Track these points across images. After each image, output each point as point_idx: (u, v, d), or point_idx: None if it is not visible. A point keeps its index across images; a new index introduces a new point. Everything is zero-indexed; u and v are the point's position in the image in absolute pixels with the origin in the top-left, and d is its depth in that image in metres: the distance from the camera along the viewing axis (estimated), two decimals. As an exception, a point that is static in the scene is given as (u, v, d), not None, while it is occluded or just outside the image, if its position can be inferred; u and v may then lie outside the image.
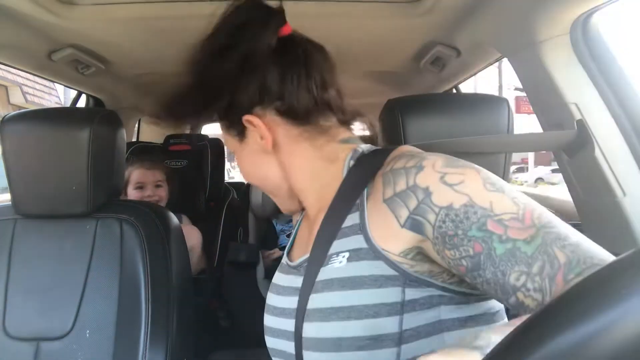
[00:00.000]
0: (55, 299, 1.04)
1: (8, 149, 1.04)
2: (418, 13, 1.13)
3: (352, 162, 0.62)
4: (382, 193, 0.54)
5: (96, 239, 1.07)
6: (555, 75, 0.95)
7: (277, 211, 1.99)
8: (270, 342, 0.67)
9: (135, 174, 1.70)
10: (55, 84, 6.39)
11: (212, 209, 2.13)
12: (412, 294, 0.52)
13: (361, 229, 0.55)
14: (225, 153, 2.37)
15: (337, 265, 0.55)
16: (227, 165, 4.65)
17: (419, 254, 0.52)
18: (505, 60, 1.24)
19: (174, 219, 1.14)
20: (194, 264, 1.73)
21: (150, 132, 2.65)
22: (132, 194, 1.69)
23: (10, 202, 1.07)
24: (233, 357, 1.92)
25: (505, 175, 0.90)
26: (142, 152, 2.10)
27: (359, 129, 0.71)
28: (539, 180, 16.52)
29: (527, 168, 17.05)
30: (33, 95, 8.56)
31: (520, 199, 0.48)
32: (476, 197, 0.47)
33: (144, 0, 1.12)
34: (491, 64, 1.49)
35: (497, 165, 0.99)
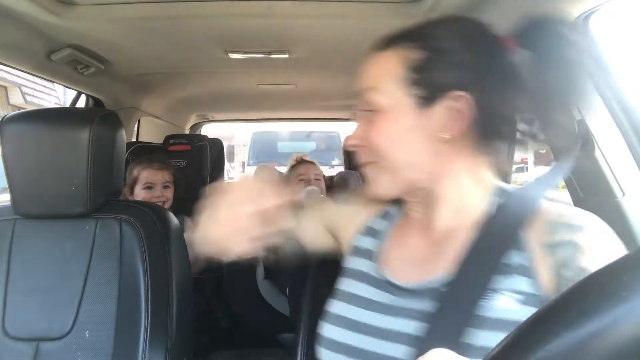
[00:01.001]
0: (54, 299, 1.03)
1: (8, 149, 1.04)
2: (418, 13, 1.13)
3: (497, 198, 0.61)
4: (543, 238, 0.55)
5: (96, 239, 1.06)
6: (555, 75, 0.95)
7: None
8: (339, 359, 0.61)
9: (144, 174, 1.71)
10: (54, 84, 6.38)
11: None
12: None
13: (529, 273, 0.53)
14: (225, 153, 2.37)
15: (509, 306, 0.52)
16: (226, 165, 4.65)
17: None
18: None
19: (173, 219, 1.14)
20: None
21: (150, 132, 2.65)
22: (140, 193, 1.69)
23: (9, 203, 1.07)
24: (233, 357, 1.92)
25: (506, 177, 0.89)
26: (141, 153, 2.10)
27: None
28: (538, 180, 16.46)
29: (527, 168, 17.05)
30: (32, 95, 8.55)
31: None
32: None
33: (144, 0, 1.12)
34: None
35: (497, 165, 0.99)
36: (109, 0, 1.12)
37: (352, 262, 0.69)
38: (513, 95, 0.57)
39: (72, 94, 1.88)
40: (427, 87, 0.58)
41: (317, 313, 0.84)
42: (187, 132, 3.15)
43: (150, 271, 1.03)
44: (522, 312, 0.52)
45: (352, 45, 1.44)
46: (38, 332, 1.02)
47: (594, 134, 0.93)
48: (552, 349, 0.23)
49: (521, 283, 0.53)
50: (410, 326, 0.56)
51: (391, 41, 0.62)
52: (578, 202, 1.05)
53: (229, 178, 5.87)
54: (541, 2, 0.89)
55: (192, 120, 3.18)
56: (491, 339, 0.51)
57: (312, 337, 0.83)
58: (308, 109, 3.07)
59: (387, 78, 0.59)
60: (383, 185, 0.62)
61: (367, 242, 0.70)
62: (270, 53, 1.52)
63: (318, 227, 0.79)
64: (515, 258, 0.54)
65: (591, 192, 0.99)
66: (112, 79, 1.78)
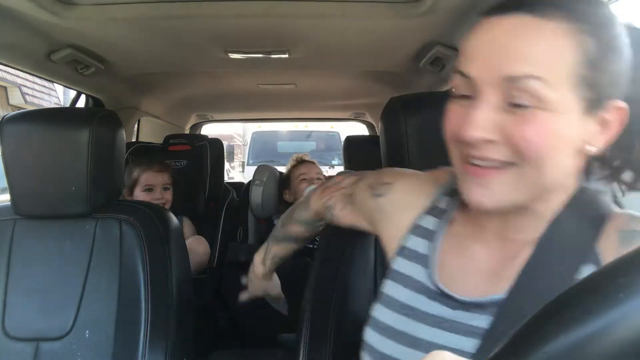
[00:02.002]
0: (54, 299, 1.03)
1: (7, 149, 1.04)
2: (418, 13, 1.13)
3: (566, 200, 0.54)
4: (618, 250, 0.48)
5: (96, 239, 1.06)
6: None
7: (276, 211, 1.99)
8: None
9: (144, 176, 1.71)
10: (54, 84, 6.38)
11: (211, 209, 2.13)
12: None
13: None
14: (225, 153, 2.37)
15: None
16: (226, 165, 4.64)
17: None
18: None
19: (173, 219, 1.14)
20: (199, 264, 1.73)
21: (150, 132, 2.65)
22: (140, 195, 1.70)
23: (9, 203, 1.07)
24: (233, 357, 1.92)
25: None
26: (141, 153, 2.10)
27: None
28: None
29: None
30: (32, 95, 8.55)
31: None
32: None
33: (144, 0, 1.12)
34: (491, 64, 1.49)
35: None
36: (109, 0, 1.12)
37: (401, 265, 0.62)
38: None
39: (72, 93, 1.88)
40: (597, 90, 0.47)
41: (318, 312, 0.84)
42: (187, 132, 3.15)
43: (150, 271, 1.03)
44: None
45: (352, 45, 1.44)
46: (38, 332, 1.02)
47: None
48: (548, 352, 0.23)
49: None
50: (467, 343, 0.51)
51: (559, 10, 0.47)
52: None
53: (229, 178, 5.86)
54: (541, 2, 0.89)
55: (192, 120, 3.18)
56: None
57: (314, 337, 0.83)
58: (308, 109, 3.07)
59: (561, 68, 0.46)
60: (512, 196, 0.50)
61: (418, 244, 0.62)
62: (270, 53, 1.52)
63: (356, 221, 0.75)
64: (589, 271, 0.47)
65: (591, 192, 0.99)
66: (112, 79, 1.78)
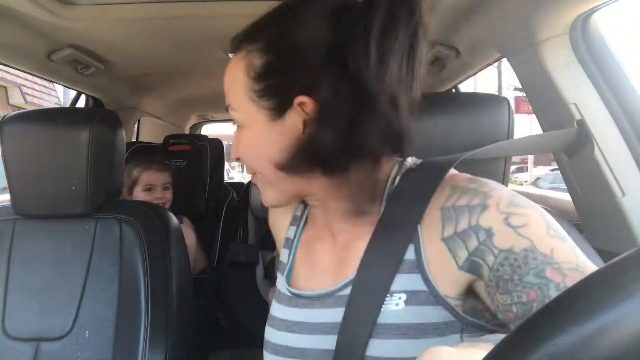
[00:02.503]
0: (54, 299, 1.03)
1: (7, 149, 1.04)
2: (418, 13, 1.13)
3: (397, 178, 0.56)
4: (442, 230, 0.50)
5: (96, 239, 1.06)
6: (555, 75, 0.95)
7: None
8: None
9: (145, 176, 1.71)
10: (54, 84, 6.39)
11: (211, 209, 2.13)
12: (468, 340, 0.48)
13: (418, 267, 0.50)
14: (225, 153, 2.36)
15: (393, 308, 0.49)
16: (226, 165, 4.64)
17: (467, 291, 0.49)
18: (505, 60, 1.24)
19: (173, 219, 1.14)
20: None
21: (150, 132, 2.65)
22: (140, 195, 1.69)
23: (9, 203, 1.07)
24: (233, 357, 1.92)
25: (505, 177, 0.90)
26: (141, 153, 2.10)
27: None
28: (538, 180, 16.52)
29: (527, 168, 17.05)
30: (32, 95, 8.56)
31: (578, 250, 0.45)
32: (538, 243, 0.45)
33: (144, 0, 1.12)
34: (490, 64, 1.49)
35: (497, 167, 0.99)
36: (109, 0, 1.12)
37: (277, 280, 0.66)
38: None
39: (72, 93, 1.88)
40: (277, 95, 0.51)
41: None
42: (187, 132, 3.15)
43: (150, 271, 1.03)
44: (407, 314, 0.49)
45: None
46: (38, 332, 1.02)
47: (594, 134, 0.93)
48: (558, 344, 0.23)
49: (412, 281, 0.50)
50: (322, 341, 0.54)
51: (240, 41, 0.55)
52: (578, 202, 1.05)
53: (229, 178, 5.84)
54: (541, 3, 0.89)
55: (192, 120, 3.18)
56: (395, 349, 0.48)
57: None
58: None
59: (237, 92, 0.54)
60: (269, 195, 0.58)
61: (283, 255, 0.67)
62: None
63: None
64: (410, 253, 0.50)
65: (591, 192, 0.99)
66: (112, 79, 1.78)
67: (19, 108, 7.71)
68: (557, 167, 1.12)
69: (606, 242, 0.96)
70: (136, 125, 2.55)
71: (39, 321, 1.02)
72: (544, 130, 1.08)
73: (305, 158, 0.51)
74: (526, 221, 0.46)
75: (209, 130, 3.69)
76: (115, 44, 1.41)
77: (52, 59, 1.38)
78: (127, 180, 1.68)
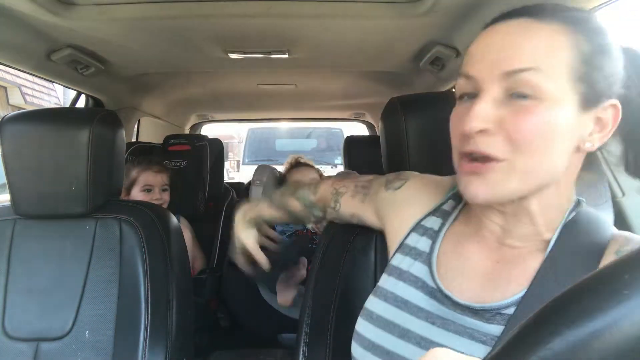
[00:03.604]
0: (54, 299, 1.03)
1: (7, 149, 1.04)
2: (418, 13, 1.13)
3: (572, 214, 0.55)
4: None
5: (96, 239, 1.06)
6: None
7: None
8: None
9: (143, 177, 1.71)
10: (54, 84, 6.38)
11: (211, 209, 2.13)
12: None
13: None
14: (225, 153, 2.36)
15: None
16: (226, 165, 4.63)
17: None
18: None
19: (173, 219, 1.14)
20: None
21: (150, 132, 2.65)
22: (138, 195, 1.69)
23: (9, 203, 1.07)
24: (233, 357, 1.92)
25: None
26: (141, 153, 2.10)
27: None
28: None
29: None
30: (32, 95, 8.55)
31: None
32: None
33: (144, 0, 1.12)
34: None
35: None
36: (109, 0, 1.12)
37: (401, 261, 0.64)
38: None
39: (72, 93, 1.88)
40: (592, 87, 0.49)
41: (318, 312, 0.84)
42: (187, 132, 3.15)
43: (150, 271, 1.03)
44: None
45: (352, 45, 1.44)
46: (38, 332, 1.02)
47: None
48: (554, 348, 0.23)
49: None
50: (465, 345, 0.53)
51: (555, 14, 0.50)
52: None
53: (229, 178, 5.83)
54: (541, 3, 0.89)
55: (192, 120, 3.18)
56: None
57: (313, 337, 0.83)
58: (308, 109, 3.07)
59: (558, 62, 0.48)
60: (507, 187, 0.51)
61: (418, 242, 0.64)
62: (270, 53, 1.52)
63: (362, 212, 0.77)
64: None
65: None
66: (112, 79, 1.78)
67: (19, 108, 7.70)
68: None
69: (606, 242, 0.96)
70: (136, 125, 2.55)
71: (39, 321, 1.02)
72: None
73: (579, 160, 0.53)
74: None
75: (209, 130, 3.69)
76: (115, 44, 1.41)
77: (52, 59, 1.38)
78: (125, 180, 1.68)
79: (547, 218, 0.55)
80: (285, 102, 2.71)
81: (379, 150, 1.01)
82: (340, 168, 4.39)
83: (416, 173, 0.76)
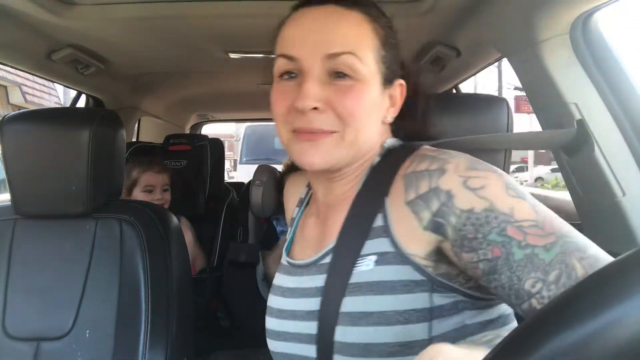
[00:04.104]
0: (55, 299, 1.03)
1: (8, 149, 1.04)
2: (418, 13, 1.13)
3: (377, 159, 0.62)
4: (404, 195, 0.55)
5: (96, 239, 1.06)
6: (555, 75, 0.95)
7: (276, 211, 1.99)
8: (280, 346, 0.64)
9: (144, 177, 1.71)
10: (55, 84, 6.39)
11: (211, 209, 2.13)
12: (439, 299, 0.52)
13: (386, 231, 0.55)
14: (225, 153, 2.36)
15: (365, 269, 0.54)
16: (226, 165, 4.62)
17: (438, 254, 0.53)
18: (505, 60, 1.24)
19: (173, 219, 1.14)
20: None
21: (150, 132, 2.65)
22: (139, 196, 1.70)
23: (9, 203, 1.07)
24: (233, 357, 1.92)
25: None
26: (141, 153, 2.10)
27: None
28: (539, 179, 16.54)
29: (527, 167, 17.06)
30: (33, 95, 8.56)
31: (540, 207, 0.48)
32: (497, 202, 0.48)
33: (144, 0, 1.12)
34: (491, 64, 1.49)
35: (497, 164, 0.99)
36: (109, 0, 1.12)
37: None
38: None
39: (72, 93, 1.88)
40: (389, 68, 0.59)
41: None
42: (187, 132, 3.15)
43: (150, 271, 1.03)
44: (377, 273, 0.53)
45: (352, 45, 1.44)
46: (38, 331, 1.02)
47: (594, 134, 0.93)
48: (552, 347, 0.23)
49: (381, 244, 0.54)
50: (312, 303, 0.59)
51: (357, 3, 0.59)
52: (578, 202, 1.05)
53: (229, 178, 5.81)
54: (541, 3, 0.89)
55: (193, 120, 3.18)
56: (351, 304, 0.54)
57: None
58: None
59: (366, 47, 0.57)
60: (335, 155, 0.58)
61: (289, 232, 0.74)
62: (270, 53, 1.51)
63: None
64: (376, 221, 0.56)
65: (591, 192, 0.99)
66: (112, 79, 1.78)
67: (19, 107, 7.71)
68: (557, 166, 1.12)
69: (606, 242, 0.96)
70: (136, 125, 2.55)
71: (40, 321, 1.02)
72: (543, 130, 1.08)
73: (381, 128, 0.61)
74: (484, 183, 0.50)
75: (209, 130, 3.69)
76: (116, 44, 1.41)
77: (52, 59, 1.38)
78: (126, 181, 1.68)
79: (358, 175, 0.62)
80: (286, 102, 2.70)
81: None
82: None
83: (291, 175, 0.85)
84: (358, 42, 0.57)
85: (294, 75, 0.58)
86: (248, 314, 1.83)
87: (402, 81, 0.62)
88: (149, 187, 1.71)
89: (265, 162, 3.93)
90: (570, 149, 0.97)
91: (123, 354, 0.99)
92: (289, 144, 0.60)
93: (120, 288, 1.03)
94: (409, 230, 0.53)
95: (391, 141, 0.64)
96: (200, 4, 1.14)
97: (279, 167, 2.14)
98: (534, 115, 1.10)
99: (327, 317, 0.56)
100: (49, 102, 9.09)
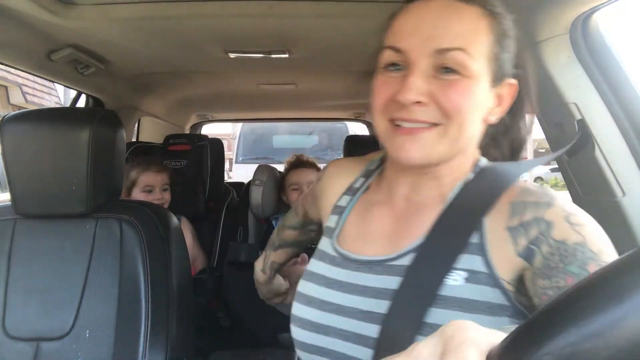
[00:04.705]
0: (55, 299, 1.04)
1: (8, 149, 1.04)
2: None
3: (471, 175, 0.61)
4: (508, 221, 0.54)
5: (96, 239, 1.06)
6: (555, 75, 0.95)
7: (276, 211, 1.99)
8: (316, 339, 0.61)
9: (143, 177, 1.71)
10: (55, 84, 6.39)
11: (211, 209, 2.13)
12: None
13: (481, 250, 0.54)
14: (225, 153, 2.36)
15: (453, 283, 0.53)
16: (226, 164, 4.60)
17: (519, 282, 0.53)
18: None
19: (173, 219, 1.14)
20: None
21: (150, 132, 2.65)
22: (139, 196, 1.69)
23: (9, 202, 1.07)
24: (233, 357, 1.92)
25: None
26: (141, 153, 2.10)
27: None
28: (538, 179, 16.52)
29: (527, 168, 16.99)
30: (33, 95, 8.56)
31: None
32: (590, 241, 0.49)
33: (144, 0, 1.12)
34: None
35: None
36: (109, 0, 1.12)
37: (320, 242, 0.70)
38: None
39: (72, 93, 1.88)
40: (500, 67, 0.57)
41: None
42: (187, 132, 3.15)
43: (150, 271, 1.03)
44: (466, 290, 0.53)
45: (352, 45, 1.44)
46: (38, 331, 1.02)
47: (594, 134, 0.93)
48: (551, 347, 0.23)
49: (473, 262, 0.54)
50: (367, 303, 0.57)
51: None
52: (578, 202, 1.05)
53: (228, 178, 5.78)
54: (541, 3, 0.89)
55: (192, 120, 3.18)
56: (438, 316, 0.52)
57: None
58: (308, 109, 3.07)
59: (479, 43, 0.55)
60: (438, 150, 0.56)
61: (332, 221, 0.69)
62: (270, 53, 1.52)
63: (314, 220, 0.84)
64: (474, 238, 0.55)
65: (591, 191, 0.99)
66: (112, 79, 1.78)
67: (20, 107, 7.71)
68: (556, 166, 1.12)
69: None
70: (136, 125, 2.55)
71: (40, 321, 1.02)
72: (544, 130, 1.08)
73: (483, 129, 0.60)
74: (584, 222, 0.52)
75: (209, 130, 3.69)
76: (116, 44, 1.41)
77: (52, 59, 1.38)
78: (125, 181, 1.68)
79: (452, 177, 0.61)
80: (286, 101, 2.71)
81: (380, 149, 1.01)
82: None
83: (337, 160, 0.81)
84: (471, 38, 0.55)
85: (400, 67, 0.57)
86: (248, 314, 1.83)
87: (512, 80, 0.59)
88: (148, 187, 1.71)
89: (263, 162, 3.91)
90: (570, 149, 0.97)
91: (123, 354, 0.99)
92: (386, 137, 0.58)
93: (120, 288, 1.03)
94: (503, 254, 0.53)
95: (484, 161, 0.63)
96: (200, 4, 1.14)
97: (279, 167, 2.14)
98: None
99: (399, 324, 0.53)
100: (50, 102, 9.08)
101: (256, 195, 1.93)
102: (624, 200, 0.91)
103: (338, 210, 0.69)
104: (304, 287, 0.65)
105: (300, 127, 5.47)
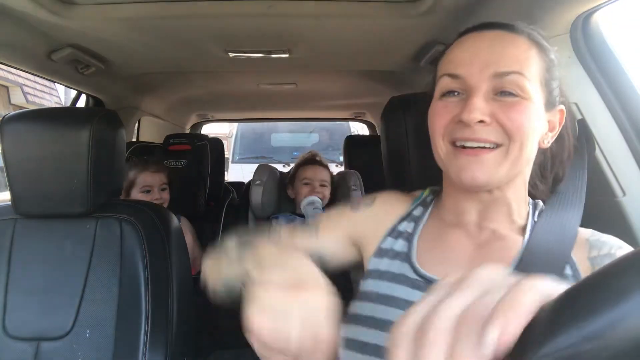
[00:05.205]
0: (55, 299, 1.04)
1: (8, 148, 1.04)
2: (418, 13, 1.13)
3: (537, 207, 0.65)
4: (588, 252, 0.59)
5: (96, 239, 1.07)
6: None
7: (276, 211, 2.00)
8: None
9: (141, 178, 1.71)
10: (55, 84, 6.39)
11: (212, 208, 2.13)
12: None
13: (576, 280, 0.57)
14: (225, 153, 2.36)
15: None
16: (226, 165, 4.59)
17: None
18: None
19: (174, 219, 1.14)
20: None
21: (150, 132, 2.66)
22: (137, 197, 1.69)
23: (10, 202, 1.07)
24: (233, 357, 1.92)
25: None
26: (142, 152, 2.10)
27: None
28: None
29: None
30: (34, 95, 8.56)
31: None
32: None
33: (144, 0, 1.12)
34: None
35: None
36: (110, 0, 1.12)
37: (378, 263, 0.67)
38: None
39: (73, 93, 1.88)
40: (551, 93, 0.61)
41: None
42: (187, 131, 3.15)
43: (150, 271, 1.03)
44: None
45: (352, 45, 1.44)
46: (39, 331, 1.02)
47: (594, 134, 0.92)
48: (583, 331, 0.23)
49: None
50: None
51: (524, 31, 0.61)
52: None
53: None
54: (541, 3, 0.89)
55: (193, 120, 3.18)
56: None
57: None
58: (308, 109, 3.07)
59: (533, 69, 0.58)
60: (500, 171, 0.58)
61: (394, 244, 0.67)
62: (270, 53, 1.52)
63: (340, 238, 0.75)
64: (568, 270, 0.59)
65: (591, 191, 0.99)
66: (112, 79, 1.78)
67: (21, 107, 7.71)
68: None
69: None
70: (136, 125, 2.55)
71: (40, 321, 1.02)
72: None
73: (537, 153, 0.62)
74: None
75: (209, 130, 3.69)
76: (116, 44, 1.41)
77: (52, 59, 1.38)
78: (123, 182, 1.68)
79: (517, 204, 0.63)
80: (286, 101, 2.71)
81: (380, 149, 1.01)
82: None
83: (386, 191, 0.80)
84: (526, 62, 0.58)
85: (457, 93, 0.60)
86: (248, 313, 1.82)
87: (562, 107, 0.63)
88: (146, 187, 1.71)
89: (261, 161, 3.90)
90: (571, 149, 0.97)
91: (123, 354, 0.99)
92: (448, 159, 0.60)
93: (120, 288, 1.03)
94: None
95: (533, 201, 0.67)
96: (200, 4, 1.14)
97: (278, 167, 2.14)
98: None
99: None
100: (50, 102, 9.08)
101: (256, 195, 1.93)
102: (624, 200, 0.91)
103: (400, 235, 0.68)
104: (380, 312, 0.61)
105: (300, 125, 5.29)
